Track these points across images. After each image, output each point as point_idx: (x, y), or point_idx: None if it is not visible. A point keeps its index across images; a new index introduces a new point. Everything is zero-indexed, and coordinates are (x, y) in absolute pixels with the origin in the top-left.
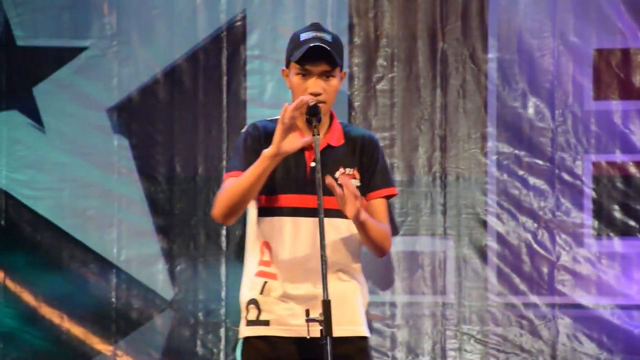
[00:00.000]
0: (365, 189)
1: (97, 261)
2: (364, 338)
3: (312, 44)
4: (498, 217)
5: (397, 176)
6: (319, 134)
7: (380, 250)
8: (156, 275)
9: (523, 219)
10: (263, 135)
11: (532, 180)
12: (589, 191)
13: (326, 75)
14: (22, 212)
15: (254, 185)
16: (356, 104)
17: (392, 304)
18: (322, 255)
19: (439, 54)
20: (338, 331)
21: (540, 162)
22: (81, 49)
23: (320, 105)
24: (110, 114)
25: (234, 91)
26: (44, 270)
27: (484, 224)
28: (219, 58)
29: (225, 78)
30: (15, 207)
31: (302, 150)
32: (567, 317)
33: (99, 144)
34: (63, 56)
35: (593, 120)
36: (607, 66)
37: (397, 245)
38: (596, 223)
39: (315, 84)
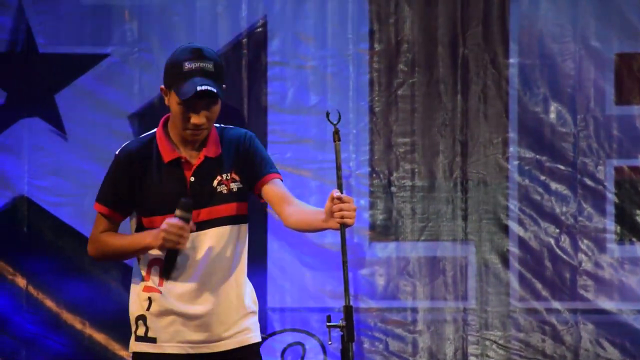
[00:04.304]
0: (254, 180)
1: (118, 267)
2: (255, 344)
3: (200, 88)
4: (520, 222)
5: (418, 181)
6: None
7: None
8: None
9: (545, 224)
10: (136, 159)
11: (554, 185)
12: (611, 196)
13: (211, 105)
14: (44, 218)
15: (130, 256)
16: (377, 109)
17: (414, 310)
18: (344, 262)
19: (459, 59)
20: (229, 344)
21: (562, 167)
22: (103, 56)
23: (201, 133)
24: (131, 120)
25: (255, 97)
26: (66, 276)
27: (506, 229)
28: (239, 64)
29: (246, 84)
30: (37, 213)
31: (180, 168)
32: (590, 322)
33: None
34: (85, 63)
35: (615, 125)
36: (629, 71)
37: (419, 251)
38: (618, 228)
39: (199, 118)
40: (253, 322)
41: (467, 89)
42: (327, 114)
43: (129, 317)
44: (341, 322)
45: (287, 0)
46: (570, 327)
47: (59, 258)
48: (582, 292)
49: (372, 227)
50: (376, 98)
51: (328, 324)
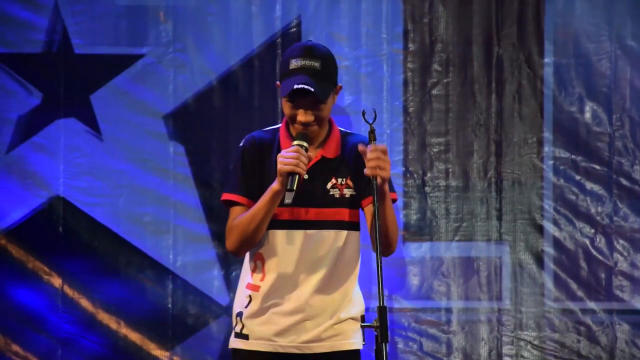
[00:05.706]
0: (365, 193)
1: (153, 267)
2: (351, 351)
3: (297, 86)
4: (555, 222)
5: (452, 181)
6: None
7: (389, 246)
8: (212, 281)
9: (580, 224)
10: (259, 146)
11: (589, 185)
12: None
13: (316, 103)
14: (79, 218)
15: (265, 219)
16: (411, 109)
17: (448, 310)
18: (377, 261)
19: (494, 58)
20: (320, 347)
21: (597, 167)
22: (138, 57)
23: (310, 129)
24: (166, 120)
25: None
26: (101, 276)
27: (541, 229)
28: (274, 64)
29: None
30: (72, 213)
31: None
32: (626, 323)
33: (155, 150)
34: (120, 64)
35: None
36: None
37: (453, 251)
38: None
39: (304, 115)
40: (352, 328)
41: (502, 88)
42: (363, 113)
43: (163, 317)
44: (375, 323)
45: (322, 1)
46: (605, 327)
47: (95, 258)
48: (617, 292)
49: (406, 227)
50: (410, 98)
51: (362, 324)
